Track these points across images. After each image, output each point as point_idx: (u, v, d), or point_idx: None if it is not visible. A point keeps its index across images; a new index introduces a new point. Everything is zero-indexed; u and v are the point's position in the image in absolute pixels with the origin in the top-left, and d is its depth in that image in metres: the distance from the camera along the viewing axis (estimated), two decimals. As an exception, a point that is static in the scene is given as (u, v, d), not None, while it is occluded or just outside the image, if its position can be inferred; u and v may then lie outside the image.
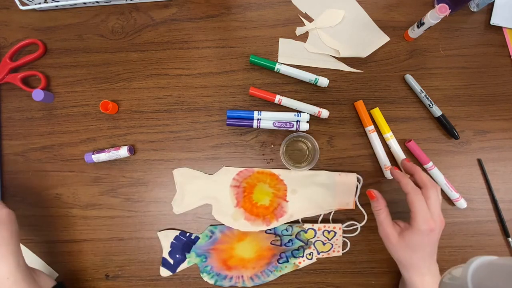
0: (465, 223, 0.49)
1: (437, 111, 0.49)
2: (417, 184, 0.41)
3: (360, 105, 0.49)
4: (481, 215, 0.50)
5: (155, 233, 0.49)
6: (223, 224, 0.48)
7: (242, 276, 0.48)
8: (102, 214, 0.49)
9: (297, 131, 0.48)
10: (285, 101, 0.48)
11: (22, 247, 0.49)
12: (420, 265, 0.40)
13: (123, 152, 0.48)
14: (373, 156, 0.50)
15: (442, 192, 0.49)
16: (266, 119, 0.48)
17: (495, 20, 0.51)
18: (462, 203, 0.48)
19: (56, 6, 0.50)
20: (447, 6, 0.43)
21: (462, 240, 0.49)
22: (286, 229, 0.48)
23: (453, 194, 0.48)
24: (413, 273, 0.40)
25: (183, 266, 0.48)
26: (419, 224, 0.38)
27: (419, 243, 0.39)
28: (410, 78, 0.50)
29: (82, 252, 0.49)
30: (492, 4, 0.52)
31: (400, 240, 0.40)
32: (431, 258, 0.40)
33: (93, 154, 0.48)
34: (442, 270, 0.45)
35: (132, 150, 0.49)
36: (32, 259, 0.49)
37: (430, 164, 0.48)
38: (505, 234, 0.49)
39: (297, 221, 0.49)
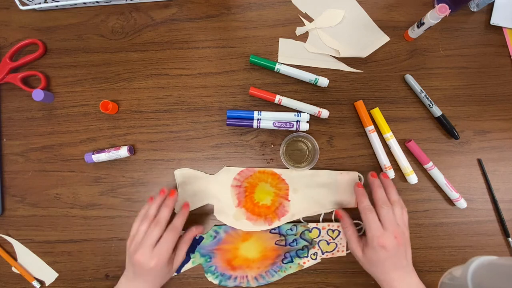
0: (465, 223, 0.49)
1: (437, 111, 0.49)
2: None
3: (360, 105, 0.49)
4: (481, 215, 0.50)
5: (155, 233, 0.49)
6: (227, 224, 0.48)
7: (247, 276, 0.48)
8: (102, 214, 0.49)
9: (297, 131, 0.48)
10: (285, 101, 0.48)
11: (22, 247, 0.49)
12: (386, 278, 0.41)
13: (123, 152, 0.48)
14: (373, 156, 0.50)
15: (442, 192, 0.49)
16: (266, 119, 0.48)
17: (495, 20, 0.51)
18: (462, 203, 0.48)
19: (56, 6, 0.50)
20: (447, 6, 0.43)
21: (462, 240, 0.49)
22: (291, 229, 0.48)
23: (453, 194, 0.48)
24: (385, 285, 0.41)
25: (187, 266, 0.48)
26: (370, 241, 0.40)
27: (375, 259, 0.40)
28: (410, 78, 0.50)
29: (82, 252, 0.49)
30: (492, 4, 0.52)
31: (363, 256, 0.42)
32: (396, 270, 0.40)
33: (93, 154, 0.48)
34: (442, 270, 0.45)
35: (132, 150, 0.49)
36: (32, 259, 0.49)
37: (430, 164, 0.48)
38: (505, 234, 0.49)
39: (299, 221, 0.49)
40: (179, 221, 0.43)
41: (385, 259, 0.40)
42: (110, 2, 0.51)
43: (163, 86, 0.51)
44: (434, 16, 0.44)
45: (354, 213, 0.49)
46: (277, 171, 0.49)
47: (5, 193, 0.50)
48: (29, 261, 0.49)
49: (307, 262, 0.48)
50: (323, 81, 0.49)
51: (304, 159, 0.49)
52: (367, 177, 0.45)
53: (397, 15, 0.52)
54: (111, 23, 0.52)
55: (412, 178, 0.48)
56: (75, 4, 0.50)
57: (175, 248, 0.42)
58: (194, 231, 0.45)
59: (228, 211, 0.48)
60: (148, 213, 0.42)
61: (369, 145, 0.50)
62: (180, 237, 0.44)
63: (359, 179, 0.49)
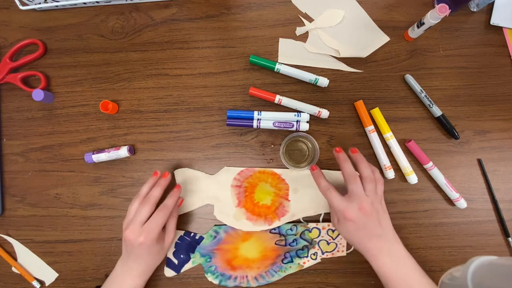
0: (465, 223, 0.49)
1: (437, 111, 0.49)
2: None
3: (360, 105, 0.49)
4: (481, 215, 0.50)
5: (155, 233, 0.49)
6: (227, 224, 0.48)
7: (247, 276, 0.48)
8: (102, 214, 0.49)
9: (297, 131, 0.48)
10: (285, 101, 0.48)
11: (22, 247, 0.49)
12: (365, 251, 0.40)
13: (123, 152, 0.48)
14: (373, 156, 0.50)
15: (442, 192, 0.49)
16: (266, 119, 0.48)
17: (495, 20, 0.51)
18: (462, 203, 0.48)
19: (56, 6, 0.50)
20: (447, 6, 0.43)
21: (462, 240, 0.49)
22: (291, 229, 0.48)
23: (453, 194, 0.48)
24: (368, 259, 0.41)
25: (187, 266, 0.48)
26: (337, 214, 0.40)
27: (346, 231, 0.41)
28: (410, 78, 0.50)
29: (82, 252, 0.49)
30: (492, 4, 0.52)
31: (338, 226, 0.42)
32: (371, 240, 0.40)
33: (93, 154, 0.48)
34: (442, 270, 0.45)
35: (132, 150, 0.49)
36: (32, 259, 0.49)
37: (430, 164, 0.48)
38: (505, 234, 0.49)
39: (299, 221, 0.49)
40: (170, 201, 0.43)
41: (356, 231, 0.40)
42: (110, 2, 0.51)
43: (163, 86, 0.51)
44: (434, 16, 0.44)
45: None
46: (277, 171, 0.49)
47: (5, 193, 0.50)
48: (29, 261, 0.49)
49: (307, 262, 0.48)
50: (323, 81, 0.49)
51: (304, 159, 0.49)
52: (332, 153, 0.44)
53: (397, 15, 0.52)
54: (111, 23, 0.52)
55: (412, 178, 0.48)
56: (75, 4, 0.50)
57: (165, 227, 0.43)
58: (177, 204, 0.45)
59: (228, 211, 0.48)
60: (140, 192, 0.43)
61: (369, 145, 0.50)
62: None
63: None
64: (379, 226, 0.40)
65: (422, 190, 0.50)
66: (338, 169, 0.49)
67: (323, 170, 0.49)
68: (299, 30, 0.51)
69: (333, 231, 0.49)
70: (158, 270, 0.48)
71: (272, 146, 0.50)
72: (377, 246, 0.40)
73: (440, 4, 0.43)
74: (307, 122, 0.48)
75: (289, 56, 0.51)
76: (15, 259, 0.49)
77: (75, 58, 0.51)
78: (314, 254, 0.48)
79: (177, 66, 0.51)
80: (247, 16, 0.52)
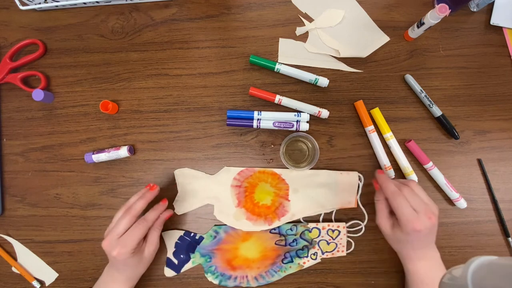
0: (465, 223, 0.49)
1: (437, 111, 0.49)
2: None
3: (360, 105, 0.49)
4: (481, 215, 0.50)
5: (155, 233, 0.49)
6: (227, 224, 0.48)
7: (247, 276, 0.48)
8: (102, 214, 0.49)
9: (297, 131, 0.48)
10: (285, 101, 0.48)
11: (22, 247, 0.49)
12: (411, 255, 0.41)
13: (123, 152, 0.48)
14: (373, 156, 0.50)
15: (442, 192, 0.49)
16: (266, 119, 0.48)
17: (495, 20, 0.51)
18: (462, 203, 0.48)
19: (56, 6, 0.50)
20: (447, 6, 0.43)
21: (462, 240, 0.49)
22: (291, 229, 0.48)
23: (453, 194, 0.48)
24: (406, 260, 0.42)
25: (187, 266, 0.48)
26: (404, 226, 0.39)
27: (405, 240, 0.40)
28: (410, 78, 0.50)
29: (82, 252, 0.49)
30: (492, 4, 0.52)
31: (392, 233, 0.41)
32: (424, 247, 0.41)
33: (93, 154, 0.48)
34: (442, 270, 0.45)
35: (132, 150, 0.49)
36: (32, 259, 0.49)
37: (430, 164, 0.48)
38: (505, 234, 0.49)
39: (299, 221, 0.49)
40: (152, 214, 0.42)
41: (414, 240, 0.40)
42: (110, 2, 0.51)
43: (163, 86, 0.51)
44: (434, 16, 0.44)
45: (354, 213, 0.49)
46: (277, 171, 0.49)
47: (5, 193, 0.50)
48: (29, 261, 0.49)
49: (307, 262, 0.48)
50: (323, 81, 0.49)
51: (304, 159, 0.49)
52: (375, 175, 0.44)
53: (397, 15, 0.52)
54: (111, 23, 0.52)
55: (412, 178, 0.48)
56: (75, 4, 0.50)
57: (147, 237, 0.43)
58: (164, 216, 0.45)
59: (228, 211, 0.48)
60: (127, 202, 0.43)
61: (369, 145, 0.50)
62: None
63: (359, 179, 0.49)
64: (433, 235, 0.41)
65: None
66: (338, 169, 0.49)
67: (323, 170, 0.49)
68: (299, 30, 0.51)
69: (333, 231, 0.49)
70: (158, 270, 0.48)
71: (272, 146, 0.50)
72: (423, 253, 0.41)
73: (440, 4, 0.43)
74: (307, 122, 0.48)
75: (289, 56, 0.51)
76: (15, 259, 0.49)
77: (75, 58, 0.51)
78: (314, 254, 0.48)
79: (177, 66, 0.51)
80: (247, 16, 0.52)
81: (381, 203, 0.43)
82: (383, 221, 0.42)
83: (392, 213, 0.42)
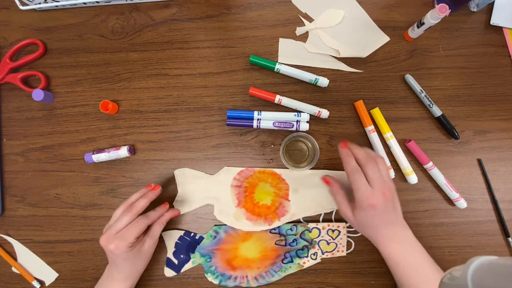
0: (465, 223, 0.49)
1: (437, 111, 0.49)
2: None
3: (360, 105, 0.49)
4: (481, 215, 0.50)
5: (155, 233, 0.49)
6: (227, 224, 0.48)
7: (247, 276, 0.48)
8: (102, 214, 0.49)
9: (297, 131, 0.48)
10: (285, 101, 0.48)
11: (22, 247, 0.49)
12: (379, 237, 0.41)
13: (123, 152, 0.48)
14: (373, 156, 0.50)
15: (442, 192, 0.49)
16: (266, 119, 0.48)
17: (495, 20, 0.51)
18: (462, 203, 0.48)
19: (56, 6, 0.50)
20: (447, 6, 0.43)
21: (462, 240, 0.49)
22: (291, 229, 0.48)
23: (453, 194, 0.48)
24: (379, 245, 0.41)
25: (187, 266, 0.48)
26: (359, 202, 0.39)
27: (365, 219, 0.40)
28: (410, 78, 0.50)
29: (82, 252, 0.49)
30: (492, 4, 0.52)
31: (354, 218, 0.41)
32: (386, 226, 0.40)
33: (93, 154, 0.48)
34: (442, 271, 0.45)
35: (132, 150, 0.49)
36: (32, 259, 0.49)
37: (430, 164, 0.48)
38: (505, 234, 0.49)
39: (299, 221, 0.49)
40: (154, 214, 0.43)
41: (373, 217, 0.40)
42: (110, 2, 0.51)
43: (163, 86, 0.51)
44: (434, 16, 0.44)
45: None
46: (277, 171, 0.49)
47: (5, 193, 0.50)
48: (29, 261, 0.49)
49: (307, 262, 0.48)
50: (323, 81, 0.49)
51: (304, 159, 0.49)
52: (338, 149, 0.43)
53: (397, 15, 0.52)
54: (111, 23, 0.52)
55: (412, 178, 0.48)
56: (75, 4, 0.50)
57: (148, 231, 0.43)
58: (171, 214, 0.45)
59: (228, 211, 0.48)
60: (128, 199, 0.43)
61: (369, 145, 0.50)
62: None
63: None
64: (393, 211, 0.40)
65: (422, 190, 0.50)
66: (338, 169, 0.49)
67: (323, 170, 0.49)
68: (299, 30, 0.51)
69: (333, 231, 0.49)
70: (158, 270, 0.48)
71: (272, 146, 0.50)
72: (391, 232, 0.40)
73: (440, 4, 0.43)
74: (307, 122, 0.48)
75: (289, 56, 0.51)
76: (15, 259, 0.49)
77: (75, 58, 0.51)
78: (314, 254, 0.48)
79: (177, 66, 0.51)
80: (247, 16, 0.52)
81: (339, 193, 0.44)
82: (345, 209, 0.42)
83: (351, 200, 0.42)
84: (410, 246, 0.41)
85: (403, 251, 0.40)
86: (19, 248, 0.49)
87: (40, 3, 0.49)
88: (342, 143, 0.42)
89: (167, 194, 0.49)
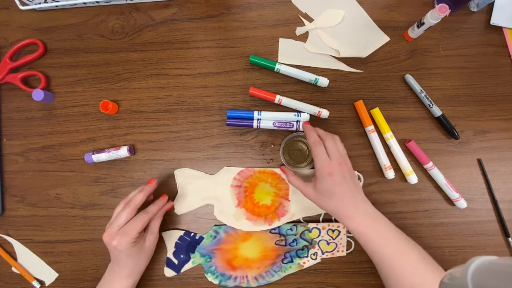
0: (465, 223, 0.49)
1: (437, 111, 0.49)
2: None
3: (360, 105, 0.49)
4: (481, 215, 0.50)
5: (155, 233, 0.49)
6: (227, 224, 0.48)
7: (247, 276, 0.48)
8: (102, 214, 0.49)
9: (297, 131, 0.48)
10: (285, 101, 0.48)
11: (22, 247, 0.49)
12: (342, 210, 0.41)
13: (123, 152, 0.48)
14: (373, 156, 0.50)
15: (442, 192, 0.49)
16: (266, 119, 0.48)
17: (495, 20, 0.51)
18: (462, 203, 0.48)
19: (56, 6, 0.50)
20: (447, 6, 0.43)
21: (462, 240, 0.49)
22: (291, 229, 0.48)
23: (453, 194, 0.48)
24: (343, 220, 0.41)
25: (187, 266, 0.48)
26: (319, 171, 0.41)
27: (326, 189, 0.41)
28: (410, 78, 0.50)
29: (82, 252, 0.49)
30: (492, 4, 0.52)
31: (315, 192, 0.42)
32: (347, 197, 0.41)
33: (93, 154, 0.48)
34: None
35: (132, 150, 0.49)
36: (32, 259, 0.49)
37: (430, 164, 0.48)
38: (505, 234, 0.49)
39: (299, 221, 0.49)
40: (153, 207, 0.43)
41: (334, 187, 0.41)
42: (110, 2, 0.51)
43: (163, 86, 0.51)
44: (434, 16, 0.44)
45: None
46: (277, 171, 0.49)
47: (5, 193, 0.50)
48: (29, 261, 0.49)
49: (307, 262, 0.48)
50: (323, 81, 0.49)
51: (304, 159, 0.49)
52: (302, 125, 0.46)
53: (397, 15, 0.52)
54: (111, 23, 0.52)
55: (412, 178, 0.48)
56: (75, 4, 0.50)
57: (148, 228, 0.43)
58: (165, 207, 0.45)
59: (228, 211, 0.48)
60: (127, 196, 0.43)
61: (369, 145, 0.50)
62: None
63: (359, 179, 0.49)
64: (352, 182, 0.42)
65: (422, 190, 0.50)
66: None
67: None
68: (299, 30, 0.51)
69: (333, 231, 0.49)
70: (158, 270, 0.48)
71: (272, 146, 0.50)
72: (352, 206, 0.41)
73: (440, 4, 0.43)
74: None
75: (289, 56, 0.51)
76: (15, 259, 0.49)
77: (75, 58, 0.51)
78: (314, 254, 0.48)
79: (177, 66, 0.51)
80: (247, 16, 0.52)
81: (296, 179, 0.45)
82: (305, 188, 0.44)
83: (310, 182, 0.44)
84: (375, 218, 0.41)
85: (369, 224, 0.41)
86: (19, 248, 0.49)
87: (40, 3, 0.49)
88: (305, 122, 0.46)
89: (167, 194, 0.49)
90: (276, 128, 0.48)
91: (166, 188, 0.49)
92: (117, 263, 0.42)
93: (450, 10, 0.43)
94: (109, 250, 0.41)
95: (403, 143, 0.49)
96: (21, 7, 0.49)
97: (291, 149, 0.49)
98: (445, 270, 0.40)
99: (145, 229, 0.43)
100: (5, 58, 0.50)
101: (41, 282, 0.49)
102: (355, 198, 0.41)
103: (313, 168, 0.48)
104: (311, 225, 0.49)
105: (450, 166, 0.50)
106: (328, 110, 0.48)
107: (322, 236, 0.49)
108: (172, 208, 0.48)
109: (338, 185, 0.41)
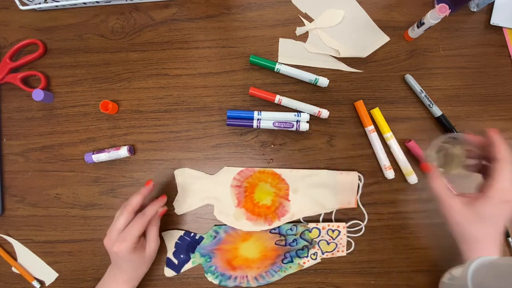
0: (465, 223, 0.49)
1: (437, 111, 0.49)
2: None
3: (360, 105, 0.49)
4: (481, 215, 0.49)
5: (155, 233, 0.49)
6: (227, 224, 0.48)
7: (247, 276, 0.48)
8: (102, 214, 0.49)
9: (451, 132, 0.44)
10: (285, 101, 0.48)
11: (22, 247, 0.49)
12: (485, 240, 0.37)
13: (123, 152, 0.48)
14: (373, 156, 0.50)
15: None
16: (266, 119, 0.48)
17: (495, 20, 0.51)
18: (462, 203, 0.48)
19: (56, 6, 0.50)
20: (447, 6, 0.43)
21: (462, 240, 0.49)
22: (291, 229, 0.48)
23: (453, 194, 0.48)
24: (476, 247, 0.37)
25: (187, 266, 0.48)
26: (496, 192, 0.35)
27: (490, 214, 0.36)
28: (410, 78, 0.50)
29: (82, 252, 0.49)
30: (492, 4, 0.52)
31: (467, 210, 0.37)
32: (498, 233, 0.37)
33: (93, 154, 0.48)
34: (442, 271, 0.45)
35: (132, 150, 0.49)
36: (32, 259, 0.49)
37: (430, 164, 0.48)
38: (505, 234, 0.49)
39: (299, 221, 0.49)
40: (150, 209, 0.42)
41: (498, 216, 0.36)
42: (110, 2, 0.51)
43: (163, 86, 0.51)
44: (434, 16, 0.44)
45: (354, 213, 0.49)
46: (277, 171, 0.49)
47: (5, 193, 0.50)
48: (29, 261, 0.49)
49: (307, 262, 0.48)
50: (323, 81, 0.49)
51: (456, 165, 0.43)
52: (488, 132, 0.40)
53: (397, 15, 0.52)
54: (111, 23, 0.52)
55: (412, 178, 0.48)
56: (75, 4, 0.50)
57: (146, 235, 0.43)
58: (159, 212, 0.44)
59: (228, 211, 0.48)
60: (126, 202, 0.43)
61: (369, 145, 0.50)
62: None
63: (359, 179, 0.49)
64: (507, 221, 0.37)
65: (422, 190, 0.50)
66: (338, 169, 0.49)
67: (323, 170, 0.49)
68: (299, 30, 0.51)
69: (333, 231, 0.49)
70: (158, 270, 0.48)
71: (272, 146, 0.50)
72: (497, 240, 0.38)
73: (440, 4, 0.43)
74: (307, 122, 0.48)
75: (289, 56, 0.51)
76: (15, 259, 0.49)
77: (75, 58, 0.51)
78: (314, 254, 0.48)
79: (177, 66, 0.51)
80: (247, 16, 0.52)
81: (443, 184, 0.39)
82: (452, 199, 0.38)
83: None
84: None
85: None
86: (19, 248, 0.49)
87: (40, 3, 0.49)
88: (493, 129, 0.39)
89: (167, 194, 0.49)
90: (276, 128, 0.48)
91: (166, 188, 0.49)
92: (117, 268, 0.42)
93: (450, 10, 0.43)
94: (110, 255, 0.41)
95: (403, 143, 0.49)
96: (21, 7, 0.49)
97: (439, 151, 0.43)
98: (445, 270, 0.40)
99: (145, 235, 0.42)
100: (5, 58, 0.50)
101: (41, 282, 0.49)
102: (500, 233, 0.38)
103: (313, 168, 0.48)
104: (311, 225, 0.49)
105: (450, 166, 0.50)
106: (328, 110, 0.48)
107: (322, 236, 0.49)
108: (172, 208, 0.48)
109: (503, 218, 0.36)
